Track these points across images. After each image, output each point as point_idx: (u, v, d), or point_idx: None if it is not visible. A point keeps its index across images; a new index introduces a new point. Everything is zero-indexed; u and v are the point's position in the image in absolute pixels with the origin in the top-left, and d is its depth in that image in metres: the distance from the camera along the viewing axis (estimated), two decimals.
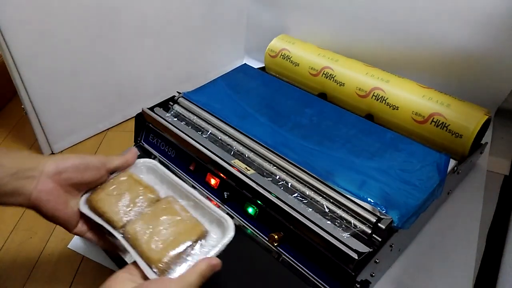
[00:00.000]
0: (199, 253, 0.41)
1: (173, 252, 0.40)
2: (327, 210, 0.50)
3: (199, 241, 0.42)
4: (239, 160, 0.57)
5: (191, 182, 0.60)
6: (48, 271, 0.61)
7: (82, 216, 0.46)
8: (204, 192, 0.58)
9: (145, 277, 0.39)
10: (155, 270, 0.39)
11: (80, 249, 0.63)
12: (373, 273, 0.48)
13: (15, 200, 0.42)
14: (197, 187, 0.59)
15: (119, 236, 0.43)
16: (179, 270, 0.40)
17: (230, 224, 0.43)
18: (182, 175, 0.61)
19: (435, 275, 0.56)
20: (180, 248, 0.41)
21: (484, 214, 0.64)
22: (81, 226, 0.46)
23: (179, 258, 0.40)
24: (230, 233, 0.42)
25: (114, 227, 0.44)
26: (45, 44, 0.72)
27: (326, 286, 0.46)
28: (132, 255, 0.41)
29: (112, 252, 0.58)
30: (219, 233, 0.44)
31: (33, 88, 0.74)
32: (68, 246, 0.64)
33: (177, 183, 0.49)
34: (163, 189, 0.49)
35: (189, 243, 0.41)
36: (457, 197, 0.67)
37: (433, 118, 0.64)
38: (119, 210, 0.44)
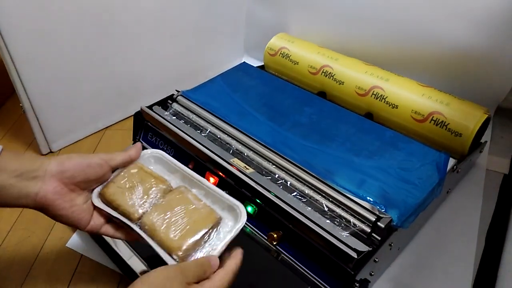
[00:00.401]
0: (215, 239, 0.43)
1: (191, 240, 0.42)
2: (326, 209, 0.50)
3: (214, 228, 0.43)
4: (238, 158, 0.57)
5: None
6: (46, 270, 0.60)
7: (96, 210, 0.46)
8: None
9: None
10: (175, 257, 0.40)
11: (79, 248, 0.63)
12: (372, 272, 0.48)
13: (21, 202, 0.42)
14: None
15: (136, 228, 0.44)
16: (196, 257, 0.41)
17: (242, 210, 0.44)
18: None
19: (435, 274, 0.56)
20: (197, 236, 0.42)
21: (484, 213, 0.64)
22: (95, 222, 0.46)
23: (197, 245, 0.42)
24: (243, 219, 0.43)
25: (130, 220, 0.44)
26: (43, 42, 0.72)
27: (325, 285, 0.46)
28: (151, 246, 0.42)
29: (112, 252, 0.57)
30: (231, 219, 0.45)
31: (31, 86, 0.74)
32: (66, 245, 0.63)
33: (187, 172, 0.49)
34: (173, 179, 0.49)
35: (205, 230, 0.43)
36: (457, 196, 0.66)
37: (433, 117, 0.64)
38: (133, 203, 0.45)
